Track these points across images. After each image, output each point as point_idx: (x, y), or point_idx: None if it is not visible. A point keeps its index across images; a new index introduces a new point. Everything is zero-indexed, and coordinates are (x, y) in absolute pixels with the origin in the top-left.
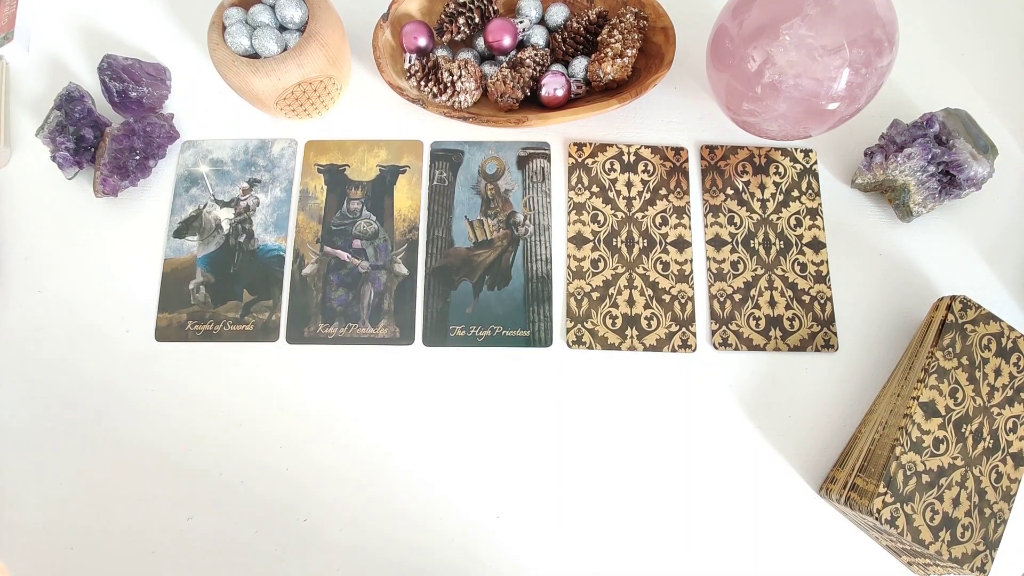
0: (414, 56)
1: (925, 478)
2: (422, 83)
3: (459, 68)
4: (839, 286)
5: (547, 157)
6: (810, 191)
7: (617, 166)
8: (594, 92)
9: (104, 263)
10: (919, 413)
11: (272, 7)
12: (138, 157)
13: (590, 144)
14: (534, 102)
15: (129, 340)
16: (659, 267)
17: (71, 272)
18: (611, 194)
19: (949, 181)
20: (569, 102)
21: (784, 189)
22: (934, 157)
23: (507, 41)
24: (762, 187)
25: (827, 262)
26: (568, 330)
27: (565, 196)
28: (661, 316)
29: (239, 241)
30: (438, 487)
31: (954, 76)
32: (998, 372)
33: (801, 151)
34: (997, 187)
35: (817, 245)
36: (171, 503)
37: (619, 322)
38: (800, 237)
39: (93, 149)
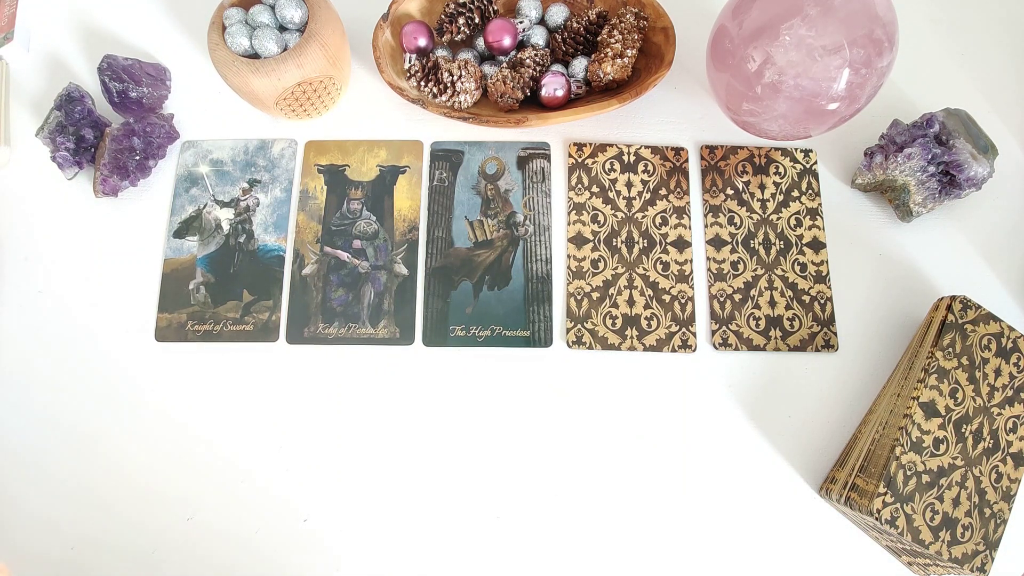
0: (414, 56)
1: (925, 478)
2: (422, 83)
3: (459, 68)
4: (839, 286)
5: (547, 157)
6: (810, 191)
7: (617, 166)
8: (594, 92)
9: (104, 263)
10: (919, 413)
11: (272, 7)
12: (138, 157)
13: (590, 144)
14: (534, 102)
15: (129, 340)
16: (659, 267)
17: (71, 272)
18: (611, 194)
19: (949, 181)
20: (569, 102)
21: (784, 189)
22: (934, 157)
23: (507, 41)
24: (762, 187)
25: (827, 262)
26: (568, 330)
27: (565, 196)
28: (661, 316)
29: (239, 241)
30: (438, 487)
31: (954, 76)
32: (998, 372)
33: (801, 151)
34: (997, 187)
35: (817, 245)
36: (171, 503)
37: (619, 322)
38: (800, 237)
39: (93, 149)
